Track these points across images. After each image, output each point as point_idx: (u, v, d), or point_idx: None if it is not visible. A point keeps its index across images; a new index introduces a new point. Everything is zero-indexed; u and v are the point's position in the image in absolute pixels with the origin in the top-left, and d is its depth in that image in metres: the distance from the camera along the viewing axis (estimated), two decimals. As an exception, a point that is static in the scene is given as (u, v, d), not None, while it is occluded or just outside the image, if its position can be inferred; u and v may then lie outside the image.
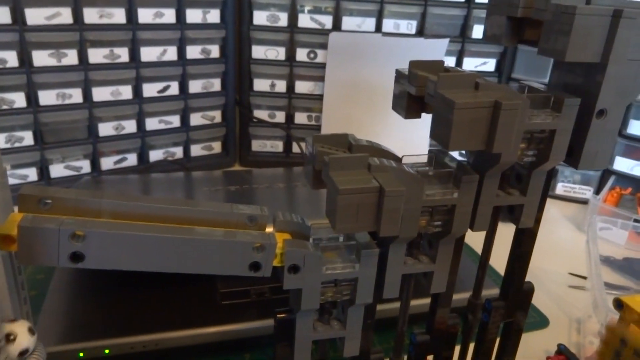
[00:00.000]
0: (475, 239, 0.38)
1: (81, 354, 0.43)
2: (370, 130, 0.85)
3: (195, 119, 0.84)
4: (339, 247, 0.30)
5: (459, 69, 0.30)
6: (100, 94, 0.75)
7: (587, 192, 0.83)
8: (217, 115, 0.87)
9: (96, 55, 0.73)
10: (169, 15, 0.76)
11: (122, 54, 0.75)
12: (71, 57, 0.71)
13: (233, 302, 0.49)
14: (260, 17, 0.82)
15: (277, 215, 0.29)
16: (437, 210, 0.29)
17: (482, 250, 0.36)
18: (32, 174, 0.73)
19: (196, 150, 0.86)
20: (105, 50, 0.73)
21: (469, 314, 0.37)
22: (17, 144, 0.71)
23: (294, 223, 0.29)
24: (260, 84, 0.86)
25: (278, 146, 0.90)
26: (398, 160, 0.30)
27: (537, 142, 0.30)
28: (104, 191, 0.27)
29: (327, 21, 0.83)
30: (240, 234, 0.27)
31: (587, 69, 0.29)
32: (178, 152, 0.85)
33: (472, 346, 0.39)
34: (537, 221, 0.34)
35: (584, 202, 0.83)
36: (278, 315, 0.30)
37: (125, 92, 0.77)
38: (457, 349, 0.38)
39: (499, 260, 0.38)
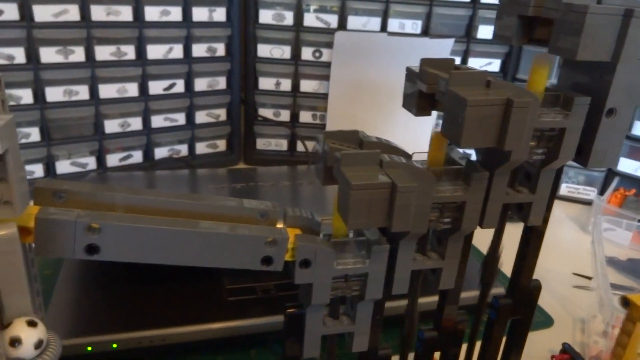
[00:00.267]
0: (480, 239, 0.38)
1: (89, 348, 0.43)
2: (374, 129, 0.85)
3: (201, 117, 0.85)
4: (349, 243, 0.30)
5: (469, 67, 0.30)
6: (107, 91, 0.75)
7: (591, 192, 0.84)
8: (222, 114, 0.87)
9: (103, 53, 0.73)
10: (175, 13, 0.77)
11: (129, 52, 0.75)
12: (78, 54, 0.71)
13: (239, 299, 0.49)
14: (265, 16, 0.82)
15: (288, 211, 0.30)
16: (447, 207, 0.30)
17: (490, 247, 0.36)
18: (38, 170, 0.73)
19: (201, 148, 0.87)
20: (112, 48, 0.73)
21: (476, 311, 0.37)
22: (23, 140, 0.71)
23: (304, 218, 0.30)
24: (266, 83, 0.86)
25: (283, 144, 0.90)
26: (408, 157, 0.30)
27: (547, 141, 0.30)
28: (117, 185, 0.27)
29: (332, 20, 0.83)
30: (253, 228, 0.27)
31: (597, 68, 0.29)
32: (183, 149, 0.85)
33: (479, 343, 0.39)
34: (545, 220, 0.34)
35: (588, 202, 0.83)
36: (288, 310, 0.31)
37: (131, 89, 0.77)
38: (464, 346, 0.38)
39: (505, 260, 0.38)
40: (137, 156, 0.81)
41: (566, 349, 0.48)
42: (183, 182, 0.70)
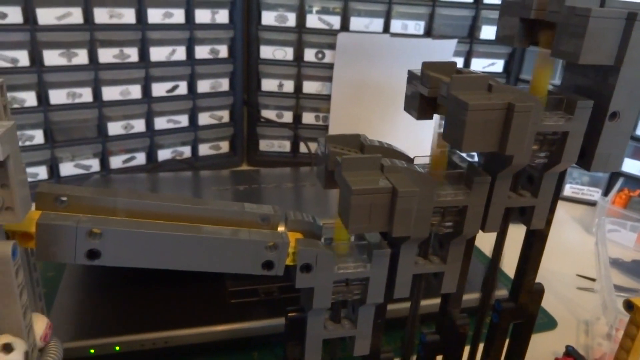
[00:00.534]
0: (483, 241, 0.38)
1: (92, 351, 0.43)
2: (377, 131, 0.85)
3: (204, 119, 0.85)
4: (350, 247, 0.30)
5: (471, 70, 0.30)
6: (110, 93, 0.75)
7: (595, 193, 0.83)
8: (225, 115, 0.87)
9: (106, 55, 0.73)
10: (178, 16, 0.77)
11: (132, 54, 0.75)
12: (81, 57, 0.72)
13: (241, 301, 0.49)
14: (268, 18, 0.82)
15: (289, 215, 0.30)
16: (449, 211, 0.30)
17: (493, 251, 0.36)
18: (42, 172, 0.74)
19: (204, 149, 0.87)
20: (115, 50, 0.74)
21: (478, 314, 0.37)
22: (27, 143, 0.71)
23: (305, 222, 0.30)
24: (268, 84, 0.86)
25: (285, 146, 0.90)
26: (410, 160, 0.30)
27: (550, 144, 0.30)
28: (118, 189, 0.27)
29: (335, 22, 0.83)
30: (254, 233, 0.27)
31: (600, 71, 0.29)
32: (186, 151, 0.85)
33: (481, 347, 0.39)
34: (548, 223, 0.34)
35: (592, 203, 0.83)
36: (289, 314, 0.31)
37: (135, 91, 0.77)
38: (467, 349, 0.38)
39: (508, 262, 0.38)
40: (140, 158, 0.81)
41: (570, 352, 0.48)
42: (186, 184, 0.70)
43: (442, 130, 0.28)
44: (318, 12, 0.83)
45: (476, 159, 0.32)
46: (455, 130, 0.26)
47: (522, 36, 0.30)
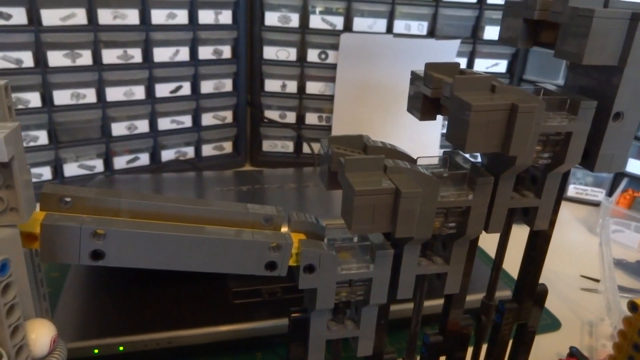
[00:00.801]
0: (486, 242, 0.38)
1: (96, 351, 0.43)
2: (380, 131, 0.85)
3: (207, 119, 0.85)
4: (353, 248, 0.30)
5: (474, 71, 0.30)
6: (114, 94, 0.75)
7: (599, 194, 0.83)
8: (228, 116, 0.87)
9: (110, 56, 0.73)
10: (181, 16, 0.77)
11: (136, 55, 0.75)
12: (85, 58, 0.72)
13: (245, 302, 0.49)
14: (271, 18, 0.82)
15: (292, 216, 0.30)
16: (452, 212, 0.30)
17: (496, 252, 0.36)
18: (46, 172, 0.74)
19: (207, 150, 0.87)
20: (118, 51, 0.74)
21: (482, 315, 0.37)
22: (32, 143, 0.72)
23: (308, 223, 0.30)
24: (272, 85, 0.86)
25: (289, 146, 0.90)
26: (413, 161, 0.30)
27: (553, 145, 0.30)
28: (122, 190, 0.27)
29: (338, 22, 0.83)
30: (257, 234, 0.27)
31: (604, 71, 0.29)
32: (190, 152, 0.86)
33: (484, 347, 0.39)
34: (552, 224, 0.34)
35: (596, 204, 0.82)
36: (292, 315, 0.31)
37: (138, 92, 0.77)
38: (470, 350, 0.38)
39: (511, 262, 0.38)
40: (144, 159, 0.82)
41: (574, 353, 0.48)
42: (189, 185, 0.71)
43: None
44: (321, 12, 0.83)
45: (479, 159, 0.32)
46: (458, 131, 0.26)
47: (525, 37, 0.29)
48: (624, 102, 0.29)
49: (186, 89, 0.81)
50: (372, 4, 0.82)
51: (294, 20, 0.83)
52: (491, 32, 0.84)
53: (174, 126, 0.82)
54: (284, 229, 0.30)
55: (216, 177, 0.73)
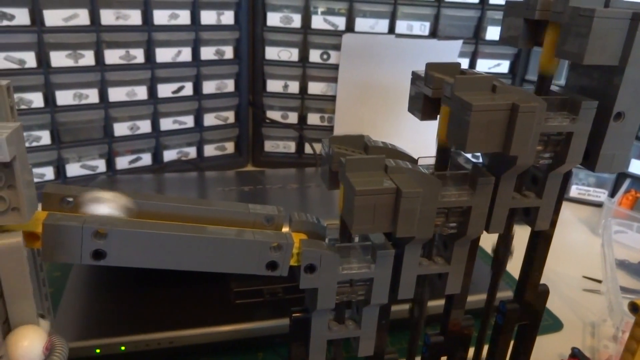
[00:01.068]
0: (488, 242, 0.38)
1: (98, 350, 0.43)
2: (382, 131, 0.85)
3: (209, 120, 0.85)
4: (354, 248, 0.30)
5: (475, 71, 0.30)
6: (116, 94, 0.76)
7: (601, 194, 0.83)
8: (230, 116, 0.87)
9: (112, 56, 0.74)
10: (183, 17, 0.77)
11: (138, 55, 0.75)
12: (88, 58, 0.72)
13: (246, 302, 0.49)
14: (273, 19, 0.82)
15: (293, 216, 0.30)
16: (453, 212, 0.30)
17: (496, 251, 0.36)
18: (49, 172, 0.74)
19: (209, 150, 0.87)
20: (121, 51, 0.74)
21: (483, 315, 0.37)
22: (34, 143, 0.72)
23: (309, 223, 0.30)
24: (273, 85, 0.86)
25: (291, 147, 0.90)
26: (414, 161, 0.30)
27: (554, 145, 0.30)
28: (123, 190, 0.27)
29: (340, 22, 0.83)
30: (258, 234, 0.27)
31: (605, 71, 0.29)
32: (192, 152, 0.86)
33: (486, 348, 0.39)
34: (553, 224, 0.34)
35: (599, 205, 0.82)
36: (294, 315, 0.31)
37: (141, 92, 0.77)
38: (471, 350, 0.38)
39: (513, 263, 0.38)
40: (146, 159, 0.82)
41: (575, 354, 0.48)
42: (191, 185, 0.71)
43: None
44: (323, 13, 0.83)
45: (481, 159, 0.32)
46: (459, 131, 0.26)
47: (526, 37, 0.29)
48: (625, 102, 0.29)
49: (188, 89, 0.81)
50: (374, 4, 0.82)
51: (296, 20, 0.83)
52: (493, 33, 0.84)
53: (176, 126, 0.82)
54: (285, 229, 0.30)
55: (218, 178, 0.73)
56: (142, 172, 0.81)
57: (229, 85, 0.85)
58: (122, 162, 0.80)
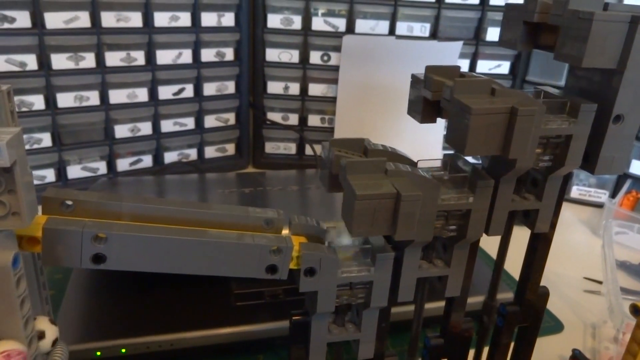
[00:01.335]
0: (489, 243, 0.38)
1: (98, 353, 0.43)
2: (383, 133, 0.85)
3: (210, 121, 0.85)
4: (354, 251, 0.30)
5: (475, 74, 0.30)
6: (117, 96, 0.76)
7: (602, 195, 0.83)
8: (231, 118, 0.87)
9: (113, 59, 0.74)
10: (184, 19, 0.77)
11: (139, 57, 0.76)
12: (89, 60, 0.72)
13: (247, 304, 0.49)
14: (274, 20, 0.83)
15: (293, 219, 0.30)
16: (453, 215, 0.30)
17: (497, 254, 0.36)
18: (50, 174, 0.74)
19: (210, 152, 0.87)
20: (122, 54, 0.74)
21: (484, 317, 0.37)
22: (35, 146, 0.72)
23: (309, 226, 0.30)
24: (274, 87, 0.87)
25: (291, 148, 0.90)
26: (413, 164, 0.30)
27: (553, 148, 0.30)
28: (123, 194, 0.27)
29: (340, 24, 0.83)
30: (258, 237, 0.27)
31: (604, 74, 0.29)
32: (192, 153, 0.86)
33: (486, 350, 0.39)
34: (553, 226, 0.34)
35: (600, 205, 0.82)
36: (294, 317, 0.31)
37: (141, 94, 0.78)
38: (472, 352, 0.38)
39: (514, 264, 0.38)
40: (147, 160, 0.82)
41: (576, 355, 0.48)
42: (192, 187, 0.71)
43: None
44: (323, 14, 0.83)
45: (480, 162, 0.32)
46: (458, 134, 0.26)
47: (525, 40, 0.29)
48: (624, 104, 0.29)
49: (189, 91, 0.81)
50: (374, 5, 0.82)
51: (297, 22, 0.83)
52: (494, 34, 0.84)
53: (177, 128, 0.83)
54: (285, 232, 0.30)
55: (219, 179, 0.73)
56: (143, 174, 0.81)
57: (230, 87, 0.85)
58: (122, 164, 0.80)
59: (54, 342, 0.26)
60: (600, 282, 0.62)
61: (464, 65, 0.86)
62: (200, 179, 0.74)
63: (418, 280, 0.31)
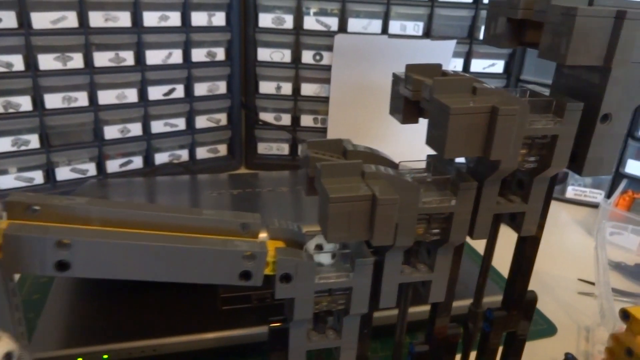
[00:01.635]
0: (482, 243, 0.37)
1: (80, 359, 0.42)
2: (376, 133, 0.84)
3: (201, 122, 0.84)
4: (334, 256, 0.29)
5: (458, 72, 0.29)
6: (106, 97, 0.75)
7: (598, 195, 0.82)
8: (222, 118, 0.86)
9: (102, 59, 0.73)
10: (174, 18, 0.76)
11: (128, 57, 0.75)
12: (77, 61, 0.71)
13: (234, 307, 0.49)
14: (265, 20, 0.82)
15: (271, 223, 0.29)
16: (435, 218, 0.29)
17: (483, 258, 0.35)
18: (38, 176, 0.73)
19: (202, 153, 0.86)
20: (110, 54, 0.73)
21: (469, 323, 0.36)
22: (23, 147, 0.71)
23: (288, 231, 0.29)
24: (266, 87, 0.86)
25: (284, 149, 0.89)
26: (394, 166, 0.29)
27: (539, 148, 0.29)
28: (93, 198, 0.26)
29: (332, 23, 0.82)
30: (230, 243, 0.26)
31: (591, 71, 0.28)
32: (184, 154, 0.85)
33: (473, 354, 0.38)
34: (541, 227, 0.33)
35: (595, 206, 0.81)
36: (271, 325, 0.30)
37: (131, 95, 0.77)
38: (458, 358, 0.37)
39: (507, 264, 0.37)
40: (137, 162, 0.81)
41: (569, 359, 0.47)
42: (183, 188, 0.70)
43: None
44: (315, 13, 0.82)
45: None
46: (437, 135, 0.25)
47: (509, 37, 0.29)
48: (611, 103, 0.28)
49: (179, 91, 0.80)
50: (367, 4, 0.81)
51: (288, 21, 0.82)
52: (488, 32, 0.83)
53: (168, 129, 0.82)
54: (263, 235, 0.29)
55: (210, 181, 0.72)
56: (133, 175, 0.80)
57: (221, 87, 0.84)
58: (112, 166, 0.79)
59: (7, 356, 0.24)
60: (594, 284, 0.61)
61: (458, 64, 0.85)
62: (191, 181, 0.73)
63: (401, 286, 0.30)
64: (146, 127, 0.79)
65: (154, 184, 0.71)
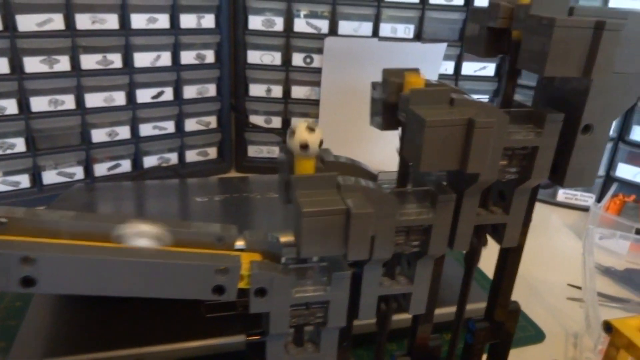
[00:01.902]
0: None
1: (61, 369, 0.42)
2: (366, 136, 0.84)
3: (190, 125, 0.84)
4: (310, 269, 0.28)
5: (437, 81, 0.28)
6: (93, 100, 0.74)
7: (589, 199, 0.81)
8: (212, 121, 0.86)
9: (89, 61, 0.72)
10: (162, 21, 0.76)
11: (115, 60, 0.74)
12: (63, 64, 0.70)
13: (218, 315, 0.48)
14: (255, 22, 0.81)
15: (247, 235, 0.28)
16: (414, 230, 0.28)
17: (465, 270, 0.35)
18: (24, 180, 0.73)
19: (191, 156, 0.86)
20: (98, 56, 0.72)
21: (452, 334, 0.36)
22: (9, 151, 0.70)
23: (264, 242, 0.28)
24: (256, 89, 0.85)
25: (274, 152, 0.89)
26: (373, 177, 0.28)
27: (520, 159, 0.29)
28: (63, 211, 0.26)
29: (323, 26, 0.81)
30: (203, 257, 0.25)
31: (571, 82, 0.27)
32: (173, 158, 0.84)
33: (457, 366, 0.38)
34: (524, 234, 0.32)
35: (586, 209, 0.81)
36: (248, 338, 0.29)
37: (119, 98, 0.76)
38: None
39: (489, 264, 0.36)
40: (125, 165, 0.80)
41: (555, 367, 0.46)
42: (172, 192, 0.69)
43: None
44: (306, 16, 0.81)
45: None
46: (413, 148, 0.24)
47: (488, 46, 0.28)
48: (593, 114, 0.27)
49: (168, 94, 0.80)
50: (357, 7, 0.80)
51: (278, 24, 0.81)
52: (479, 35, 0.82)
53: (157, 132, 0.81)
54: (240, 243, 0.28)
55: (200, 184, 0.72)
56: (122, 179, 0.79)
57: (211, 90, 0.83)
58: (100, 169, 0.78)
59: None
60: (584, 290, 0.61)
61: (449, 67, 0.84)
62: (180, 184, 0.72)
63: (380, 298, 0.30)
64: (134, 130, 0.79)
65: (142, 187, 0.70)
